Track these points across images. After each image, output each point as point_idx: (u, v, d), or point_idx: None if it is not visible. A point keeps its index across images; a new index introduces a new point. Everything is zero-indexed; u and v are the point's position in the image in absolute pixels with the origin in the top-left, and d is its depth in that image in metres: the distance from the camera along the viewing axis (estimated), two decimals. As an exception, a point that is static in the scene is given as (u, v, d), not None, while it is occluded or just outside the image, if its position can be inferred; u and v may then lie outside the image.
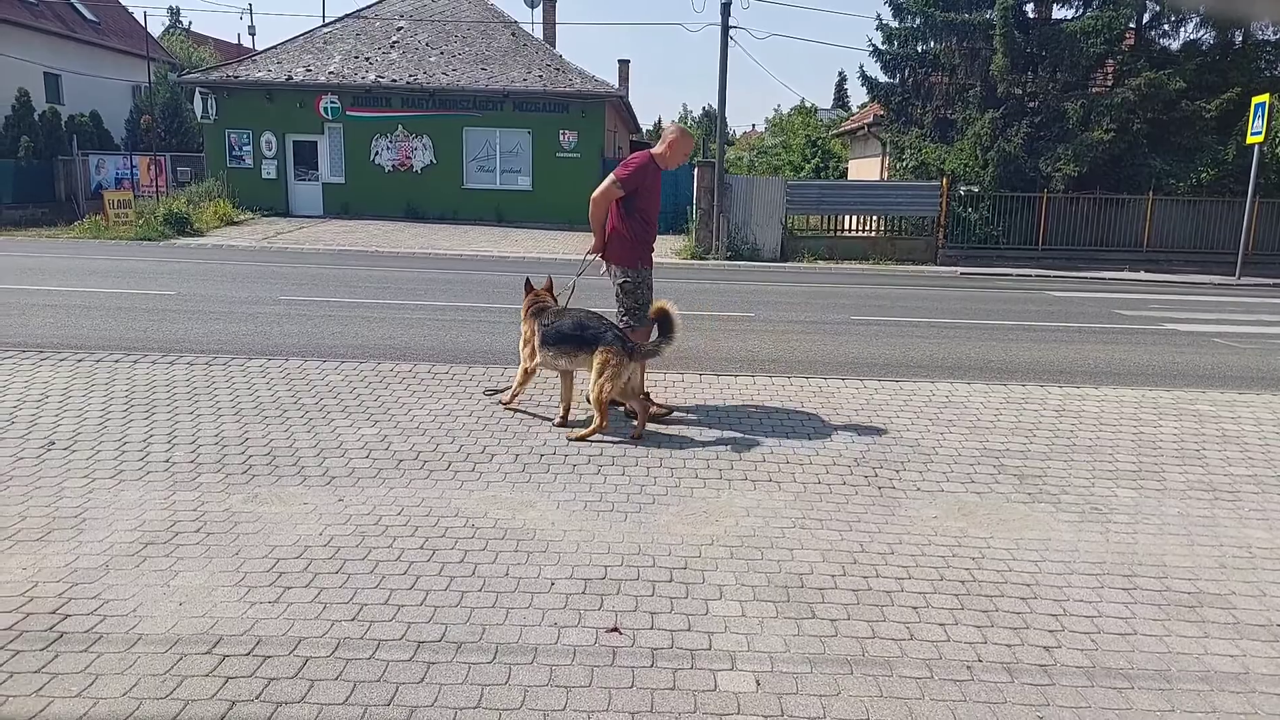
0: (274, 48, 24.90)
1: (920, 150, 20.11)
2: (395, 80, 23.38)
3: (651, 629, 2.99)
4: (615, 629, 2.98)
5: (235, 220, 21.52)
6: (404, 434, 4.92)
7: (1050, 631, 3.05)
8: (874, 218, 19.51)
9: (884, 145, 22.88)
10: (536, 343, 5.14)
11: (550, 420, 5.23)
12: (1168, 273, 18.02)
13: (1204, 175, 18.40)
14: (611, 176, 5.20)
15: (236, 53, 37.27)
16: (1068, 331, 9.91)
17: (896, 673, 2.77)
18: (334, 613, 3.01)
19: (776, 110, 57.43)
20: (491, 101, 23.24)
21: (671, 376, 6.27)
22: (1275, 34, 19.35)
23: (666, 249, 18.62)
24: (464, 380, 6.07)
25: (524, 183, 23.85)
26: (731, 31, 17.05)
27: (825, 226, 19.54)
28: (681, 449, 4.82)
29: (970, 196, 18.93)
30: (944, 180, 18.72)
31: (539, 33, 27.30)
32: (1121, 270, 18.13)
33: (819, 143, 35.49)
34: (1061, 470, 4.77)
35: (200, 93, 23.46)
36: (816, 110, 41.66)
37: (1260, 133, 16.21)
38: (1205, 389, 6.69)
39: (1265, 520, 4.17)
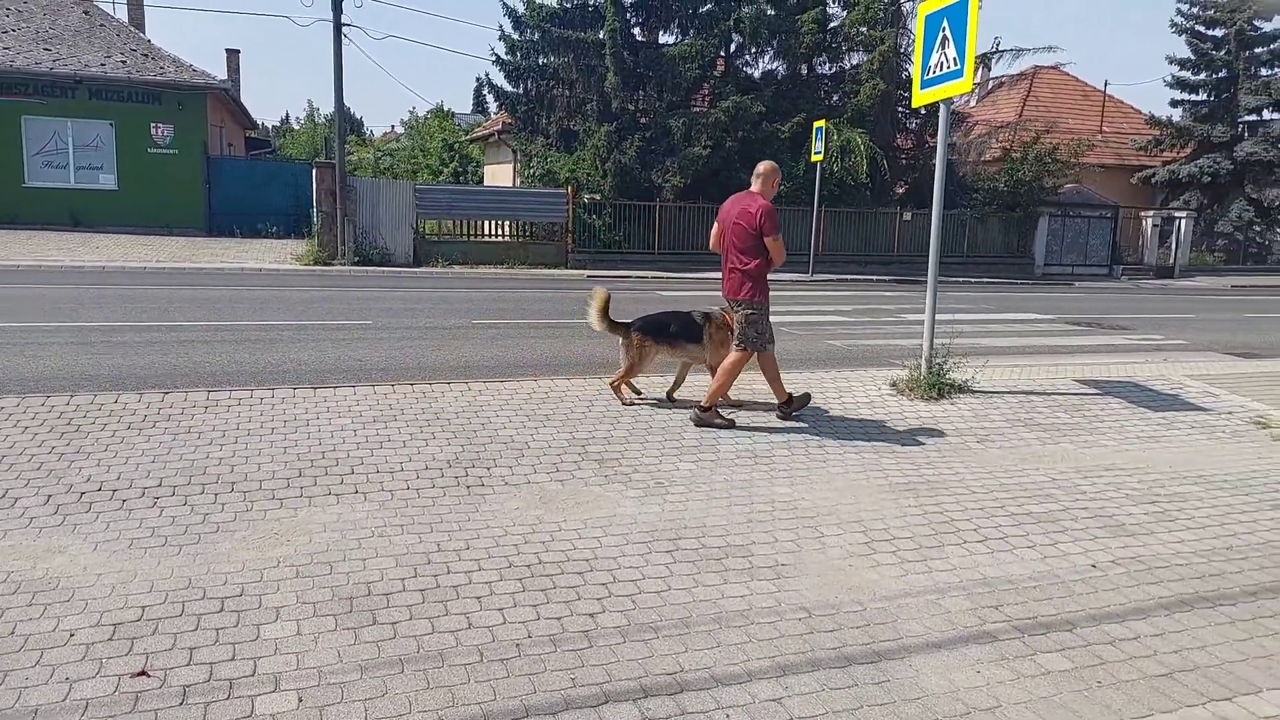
0: None
1: (546, 159, 20.99)
2: (-78, 55, 19.12)
3: (189, 665, 2.77)
4: (143, 672, 2.72)
5: None
6: (-110, 484, 4.03)
7: (598, 599, 3.35)
8: (507, 223, 19.99)
9: (514, 152, 23.54)
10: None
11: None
12: (757, 272, 20.68)
13: (782, 188, 21.41)
14: (777, 233, 5.70)
15: None
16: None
17: (448, 663, 2.85)
18: None
19: (412, 113, 56.47)
20: (59, 87, 19.92)
21: (260, 393, 5.84)
22: (831, 69, 23.13)
23: (287, 254, 17.39)
24: (-7, 413, 5.12)
25: (107, 181, 20.74)
26: (347, 29, 16.39)
27: (460, 231, 19.61)
28: (259, 469, 4.53)
29: (594, 204, 20.17)
30: (569, 188, 19.74)
31: (123, 15, 24.00)
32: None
33: (456, 147, 35.57)
34: (637, 451, 5.25)
35: None
36: (454, 115, 41.70)
37: (820, 152, 19.24)
38: (764, 370, 7.77)
39: (790, 478, 4.96)
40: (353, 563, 3.56)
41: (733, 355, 5.90)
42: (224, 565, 3.47)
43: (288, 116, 75.97)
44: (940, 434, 5.98)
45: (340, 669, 2.78)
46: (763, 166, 5.92)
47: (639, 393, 6.49)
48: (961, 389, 6.94)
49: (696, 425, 5.80)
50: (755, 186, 5.87)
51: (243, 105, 27.18)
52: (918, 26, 6.79)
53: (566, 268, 19.44)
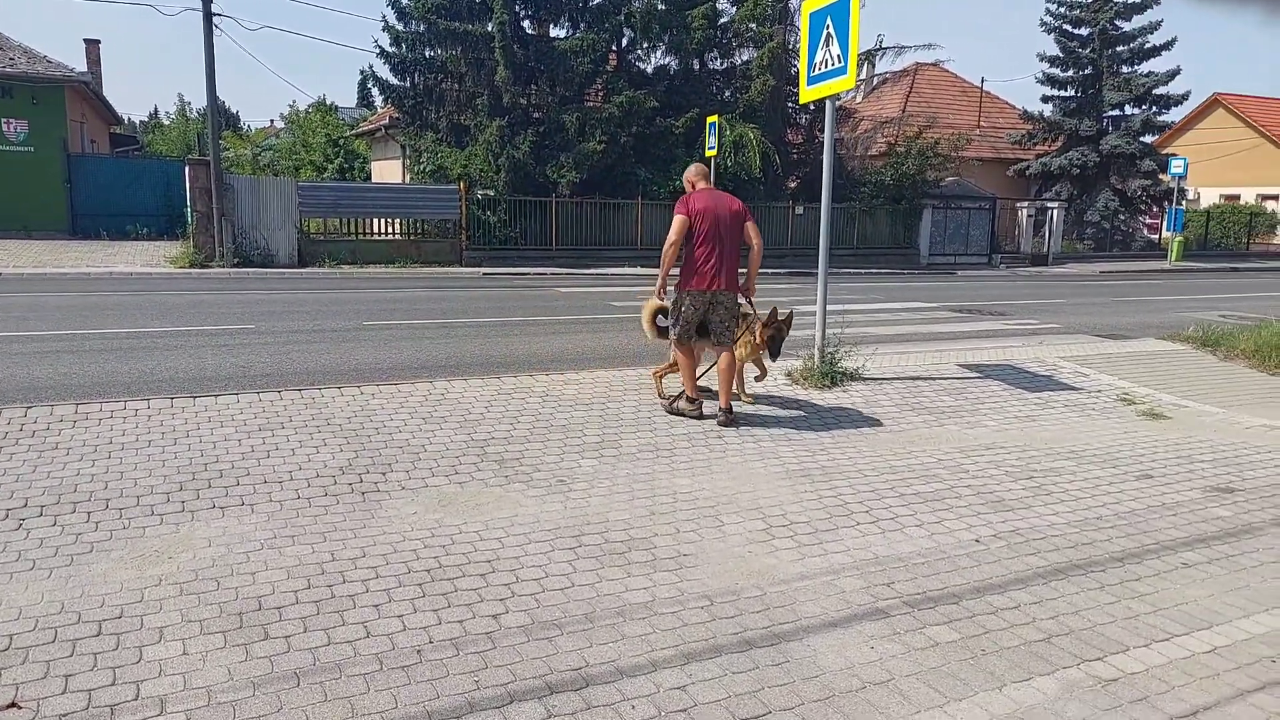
0: None
1: (437, 154, 20.52)
2: None
3: (64, 694, 2.60)
4: (13, 704, 2.54)
5: None
6: None
7: (501, 600, 3.31)
8: (397, 220, 19.47)
9: (403, 148, 22.95)
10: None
11: None
12: (656, 267, 20.85)
13: (678, 182, 21.50)
14: (752, 221, 6.14)
15: None
16: (566, 323, 10.95)
17: (346, 673, 2.76)
18: None
19: (292, 106, 54.26)
20: (-106, 78, 18.29)
21: (134, 405, 5.52)
22: (723, 64, 23.45)
23: (160, 257, 16.48)
24: None
25: (-46, 182, 19.22)
26: (218, 19, 15.63)
27: (348, 230, 18.99)
28: (136, 485, 4.28)
29: (488, 200, 19.85)
30: (462, 184, 19.37)
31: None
32: (622, 266, 20.52)
33: (341, 142, 34.44)
34: (538, 450, 5.21)
35: None
36: (337, 109, 40.31)
37: (715, 147, 19.47)
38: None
39: (690, 470, 5.02)
40: (241, 577, 3.41)
41: (726, 354, 6.13)
42: (100, 587, 3.27)
43: (156, 111, 72.09)
44: (834, 421, 6.18)
45: (231, 687, 2.66)
46: (703, 168, 6.42)
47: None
48: (853, 377, 7.18)
49: (726, 425, 5.91)
50: (707, 185, 6.25)
51: (106, 100, 25.52)
52: (803, 24, 6.97)
53: (461, 265, 19.11)
